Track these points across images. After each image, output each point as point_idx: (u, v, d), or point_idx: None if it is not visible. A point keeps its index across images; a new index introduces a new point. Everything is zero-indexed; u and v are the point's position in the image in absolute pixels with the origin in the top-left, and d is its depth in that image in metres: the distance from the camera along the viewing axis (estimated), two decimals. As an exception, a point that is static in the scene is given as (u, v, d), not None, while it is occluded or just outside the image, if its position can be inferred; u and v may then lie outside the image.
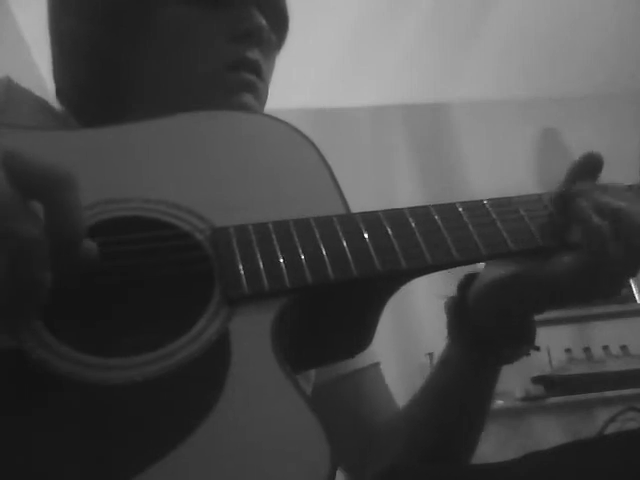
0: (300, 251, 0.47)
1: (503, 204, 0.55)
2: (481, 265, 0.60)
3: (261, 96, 0.69)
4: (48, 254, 0.38)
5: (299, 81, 2.82)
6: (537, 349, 0.62)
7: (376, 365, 0.79)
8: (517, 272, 0.55)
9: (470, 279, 0.62)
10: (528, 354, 0.62)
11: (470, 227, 0.52)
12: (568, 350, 2.98)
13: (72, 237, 0.39)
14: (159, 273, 0.46)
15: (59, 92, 0.72)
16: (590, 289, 0.53)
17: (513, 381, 2.78)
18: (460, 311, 0.62)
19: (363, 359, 0.76)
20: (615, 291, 0.53)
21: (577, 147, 3.35)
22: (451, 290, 0.63)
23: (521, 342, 0.62)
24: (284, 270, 0.46)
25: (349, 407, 0.75)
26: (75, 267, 0.41)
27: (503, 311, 0.59)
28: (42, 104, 0.69)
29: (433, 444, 0.68)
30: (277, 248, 0.47)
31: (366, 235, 0.50)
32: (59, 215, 0.39)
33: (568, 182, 0.57)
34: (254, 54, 0.67)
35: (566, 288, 0.53)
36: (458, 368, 0.64)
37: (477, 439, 0.68)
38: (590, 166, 0.57)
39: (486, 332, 0.60)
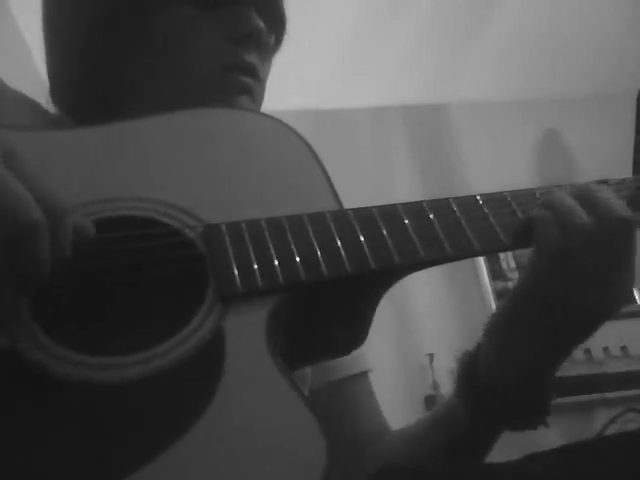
0: (293, 248, 0.47)
1: (496, 199, 0.55)
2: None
3: (257, 99, 0.69)
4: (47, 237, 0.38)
5: (299, 82, 2.82)
6: (546, 425, 0.60)
7: (365, 373, 0.78)
8: (511, 301, 0.56)
9: (476, 353, 0.61)
10: (540, 424, 0.60)
11: (463, 222, 0.52)
12: (568, 351, 2.97)
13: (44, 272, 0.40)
14: (152, 271, 0.46)
15: (53, 91, 0.72)
16: (582, 298, 0.53)
17: (513, 382, 2.77)
18: (471, 368, 0.61)
19: (354, 366, 0.76)
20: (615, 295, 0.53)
21: (577, 148, 3.36)
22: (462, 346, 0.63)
23: (534, 411, 0.60)
24: (277, 267, 0.46)
25: (338, 412, 0.74)
26: (64, 246, 0.41)
27: (514, 364, 0.58)
28: (35, 106, 0.69)
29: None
30: (270, 245, 0.47)
31: (359, 231, 0.50)
32: (56, 246, 0.40)
33: None
34: (251, 57, 0.67)
35: (553, 300, 0.53)
36: (462, 424, 0.63)
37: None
38: None
39: (497, 395, 0.59)
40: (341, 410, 0.75)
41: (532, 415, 0.60)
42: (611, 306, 0.53)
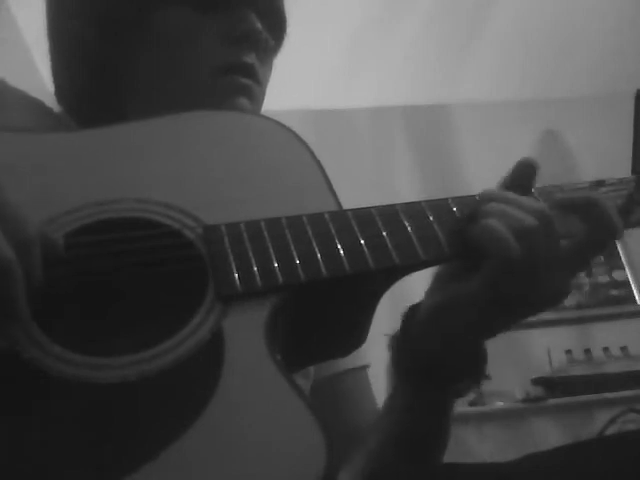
0: (292, 248, 0.47)
1: None
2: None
3: (257, 100, 0.69)
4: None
5: (300, 82, 2.82)
6: (488, 378, 0.61)
7: (363, 368, 0.78)
8: (451, 294, 0.53)
9: (413, 311, 0.59)
10: (480, 384, 0.60)
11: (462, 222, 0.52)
12: (568, 351, 2.98)
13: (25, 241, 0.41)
14: (152, 272, 0.46)
15: (57, 92, 0.72)
16: (516, 296, 0.51)
17: (513, 382, 2.78)
18: (405, 346, 0.59)
19: (352, 360, 0.75)
20: (559, 290, 0.51)
21: (577, 148, 3.36)
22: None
23: (473, 370, 0.59)
24: (277, 268, 0.46)
25: (332, 406, 0.74)
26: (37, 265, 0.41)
27: (447, 338, 0.56)
28: (38, 105, 0.69)
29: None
30: (269, 246, 0.47)
31: (358, 231, 0.49)
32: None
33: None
34: (250, 58, 0.67)
35: (493, 300, 0.51)
36: (409, 411, 0.61)
37: (443, 451, 0.65)
38: (523, 174, 0.56)
39: (434, 367, 0.58)
40: (336, 404, 0.75)
41: (468, 380, 0.60)
42: (565, 290, 0.52)
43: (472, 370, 0.60)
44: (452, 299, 0.54)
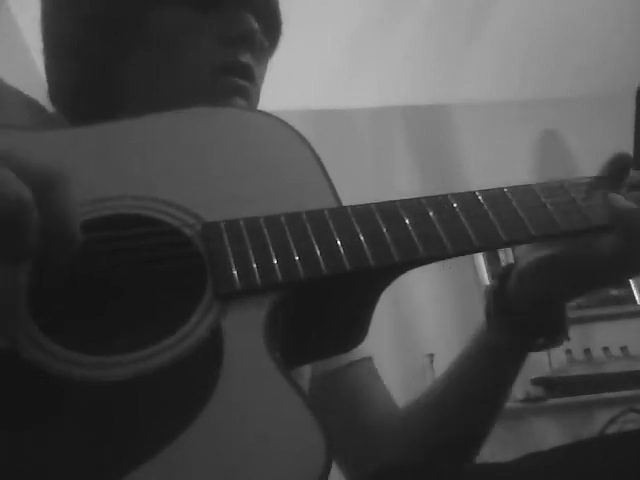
0: (292, 245, 0.47)
1: (495, 196, 0.55)
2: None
3: (252, 100, 0.69)
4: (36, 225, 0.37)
5: (300, 82, 2.82)
6: (568, 339, 0.65)
7: (369, 359, 0.79)
8: (558, 254, 0.58)
9: (510, 269, 0.64)
10: (561, 343, 0.65)
11: (462, 218, 0.52)
12: (568, 351, 2.98)
13: (68, 235, 0.39)
14: (151, 269, 0.46)
15: (52, 92, 0.72)
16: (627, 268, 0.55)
17: (513, 382, 2.78)
18: (498, 298, 0.65)
19: (357, 352, 0.76)
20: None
21: (577, 148, 3.36)
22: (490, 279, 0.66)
23: (556, 330, 0.64)
24: (276, 265, 0.46)
25: (345, 400, 0.74)
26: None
27: (539, 296, 0.61)
28: (32, 104, 0.69)
29: (456, 432, 0.69)
30: (269, 243, 0.47)
31: (358, 228, 0.49)
32: (55, 213, 0.38)
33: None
34: (246, 58, 0.67)
35: (609, 268, 0.55)
36: (492, 354, 0.67)
37: (489, 433, 0.70)
38: (619, 167, 0.59)
39: (522, 319, 0.63)
40: (347, 397, 0.75)
41: (554, 334, 0.65)
42: None
43: (556, 326, 0.64)
44: (557, 260, 0.58)
